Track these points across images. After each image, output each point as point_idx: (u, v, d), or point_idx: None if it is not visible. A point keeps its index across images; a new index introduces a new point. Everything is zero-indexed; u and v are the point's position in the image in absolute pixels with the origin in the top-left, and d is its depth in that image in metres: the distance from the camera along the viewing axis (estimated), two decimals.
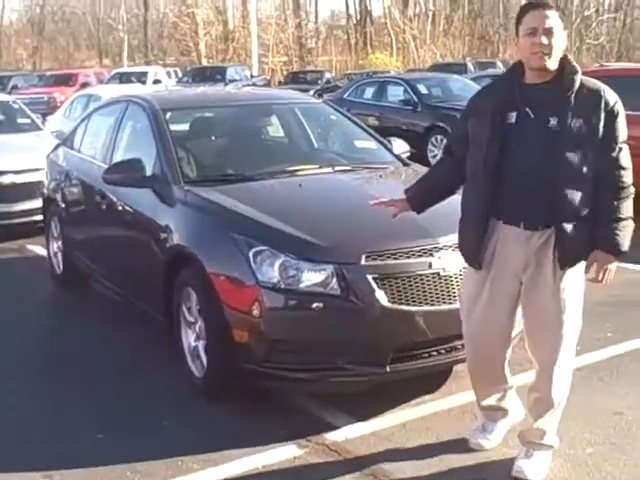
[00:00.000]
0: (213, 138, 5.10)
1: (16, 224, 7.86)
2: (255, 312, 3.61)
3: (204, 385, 3.96)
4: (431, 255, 3.67)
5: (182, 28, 38.65)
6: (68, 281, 6.09)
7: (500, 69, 21.79)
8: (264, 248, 3.66)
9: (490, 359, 3.25)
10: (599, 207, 2.89)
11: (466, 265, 3.22)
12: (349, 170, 4.75)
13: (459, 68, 21.61)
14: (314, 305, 3.54)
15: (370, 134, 5.26)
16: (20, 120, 9.40)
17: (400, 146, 5.28)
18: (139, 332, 4.88)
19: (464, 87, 12.91)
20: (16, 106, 9.73)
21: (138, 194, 4.62)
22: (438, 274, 3.66)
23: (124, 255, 4.90)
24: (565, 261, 2.93)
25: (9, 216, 7.93)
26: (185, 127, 5.07)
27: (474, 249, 3.08)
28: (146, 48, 48.06)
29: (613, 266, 2.96)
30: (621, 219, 2.89)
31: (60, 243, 6.14)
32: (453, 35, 34.54)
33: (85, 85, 26.30)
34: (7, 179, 7.91)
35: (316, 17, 45.58)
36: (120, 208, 4.87)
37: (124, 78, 25.93)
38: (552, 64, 2.86)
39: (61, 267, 6.16)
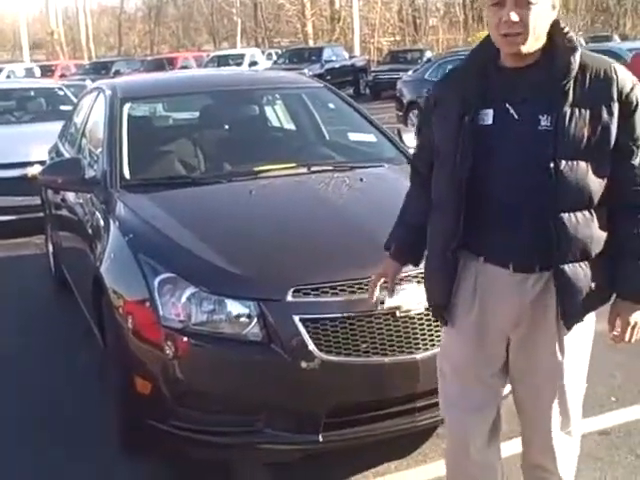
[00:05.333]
0: (177, 131, 4.35)
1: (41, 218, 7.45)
2: (156, 358, 2.85)
3: (121, 437, 3.25)
4: (385, 288, 2.77)
5: (289, 9, 38.10)
6: (58, 284, 5.53)
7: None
8: (172, 276, 2.88)
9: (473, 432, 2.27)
10: (617, 239, 2.04)
11: None
12: (329, 170, 3.87)
13: None
14: (229, 354, 2.76)
15: (374, 125, 4.34)
16: (63, 107, 8.98)
17: (413, 139, 4.34)
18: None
19: None
20: (61, 92, 9.36)
21: (82, 198, 3.96)
22: (393, 314, 2.77)
23: (74, 267, 4.26)
24: (570, 317, 2.04)
25: (35, 209, 7.53)
26: (149, 119, 4.34)
27: (441, 296, 2.18)
28: (255, 32, 47.94)
29: None
30: None
31: (51, 245, 5.61)
32: (567, 7, 32.08)
33: (184, 68, 26.39)
34: (34, 170, 7.48)
35: None
36: (71, 213, 4.23)
37: (222, 61, 25.82)
38: (530, 46, 1.96)
39: (53, 269, 5.63)
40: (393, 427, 2.84)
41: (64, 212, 4.56)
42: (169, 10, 59.32)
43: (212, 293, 2.80)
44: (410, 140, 4.31)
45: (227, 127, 4.43)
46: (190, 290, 2.81)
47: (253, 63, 24.71)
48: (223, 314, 2.79)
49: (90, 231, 3.73)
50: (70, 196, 4.26)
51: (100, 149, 3.98)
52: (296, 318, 2.71)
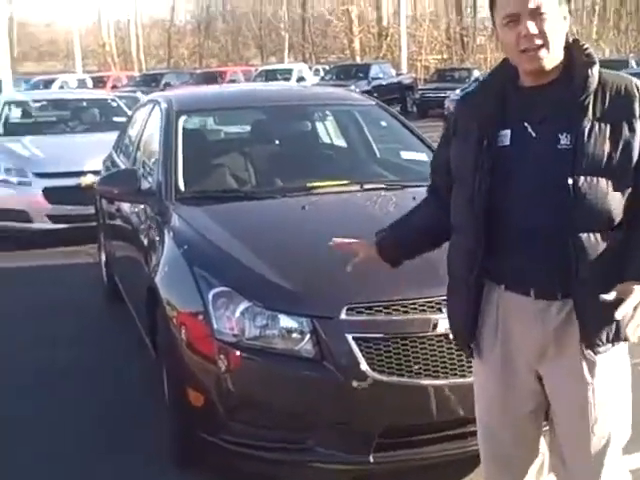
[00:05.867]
0: (230, 145, 4.39)
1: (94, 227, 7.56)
2: (209, 371, 2.88)
3: (172, 449, 3.26)
4: (439, 310, 2.76)
5: (336, 25, 38.32)
6: (110, 294, 5.60)
7: None
8: (226, 289, 2.90)
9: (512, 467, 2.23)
10: (630, 243, 1.92)
11: None
12: (381, 189, 3.87)
13: (620, 64, 19.59)
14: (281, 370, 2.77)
15: (425, 143, 4.34)
16: (116, 119, 9.14)
17: None
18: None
19: None
20: (114, 104, 9.54)
21: (137, 209, 4.02)
22: (446, 336, 2.74)
23: (127, 277, 4.31)
24: (592, 343, 1.93)
25: (88, 218, 7.65)
26: (202, 132, 4.40)
27: (462, 327, 2.13)
28: (303, 47, 48.31)
29: None
30: None
31: (104, 254, 5.70)
32: (618, 29, 31.68)
33: (232, 82, 26.72)
34: (87, 180, 7.61)
35: (474, 13, 43.50)
36: (126, 223, 4.30)
37: (270, 76, 26.06)
38: (552, 60, 1.91)
39: (105, 278, 5.71)
40: (444, 451, 2.82)
41: (118, 222, 4.63)
42: (218, 24, 60.04)
43: (266, 308, 2.82)
44: None
45: (280, 142, 4.47)
46: (244, 304, 2.83)
47: (301, 78, 24.87)
48: (276, 329, 2.80)
49: (145, 242, 3.77)
50: (125, 206, 4.32)
51: (155, 161, 4.04)
52: (349, 336, 2.71)
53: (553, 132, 1.90)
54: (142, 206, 3.93)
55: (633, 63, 20.48)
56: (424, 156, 4.19)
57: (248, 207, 3.63)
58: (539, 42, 1.87)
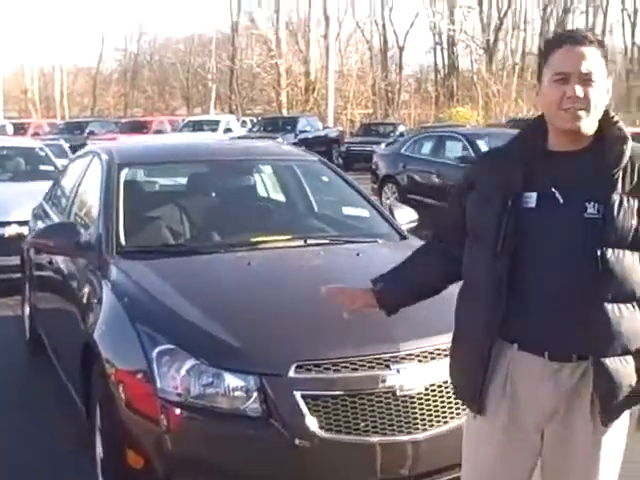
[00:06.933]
0: (172, 199, 4.34)
1: (16, 279, 7.31)
2: (151, 431, 2.79)
3: None
4: (386, 367, 2.78)
5: (264, 78, 38.77)
6: (34, 349, 5.39)
7: None
8: (171, 347, 2.84)
9: None
10: None
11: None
12: (325, 244, 3.89)
13: None
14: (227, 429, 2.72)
15: (366, 199, 4.40)
16: (43, 167, 8.96)
17: (405, 215, 4.42)
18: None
19: None
20: (42, 153, 9.34)
21: (73, 263, 3.92)
22: (393, 393, 2.76)
23: (57, 332, 4.18)
24: (608, 412, 1.97)
25: (10, 270, 7.40)
26: (142, 186, 4.35)
27: (472, 384, 2.07)
28: (230, 99, 48.58)
29: None
30: None
31: (27, 307, 5.50)
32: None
33: (159, 132, 26.57)
34: (11, 230, 7.40)
35: (400, 69, 44.88)
36: (59, 276, 4.17)
37: (197, 126, 26.02)
38: (589, 126, 1.96)
39: (28, 333, 5.50)
40: None
41: (50, 274, 4.49)
42: (145, 73, 59.90)
43: (212, 366, 2.77)
44: (401, 216, 4.38)
45: (223, 197, 4.44)
46: (190, 362, 2.77)
47: (228, 130, 24.89)
48: (222, 388, 2.75)
49: (81, 296, 3.66)
50: (59, 259, 4.20)
51: (94, 214, 3.96)
52: (297, 394, 2.69)
53: (580, 200, 1.92)
54: (79, 260, 3.83)
55: None
56: (365, 212, 4.25)
57: (192, 262, 3.57)
58: (582, 105, 1.92)
